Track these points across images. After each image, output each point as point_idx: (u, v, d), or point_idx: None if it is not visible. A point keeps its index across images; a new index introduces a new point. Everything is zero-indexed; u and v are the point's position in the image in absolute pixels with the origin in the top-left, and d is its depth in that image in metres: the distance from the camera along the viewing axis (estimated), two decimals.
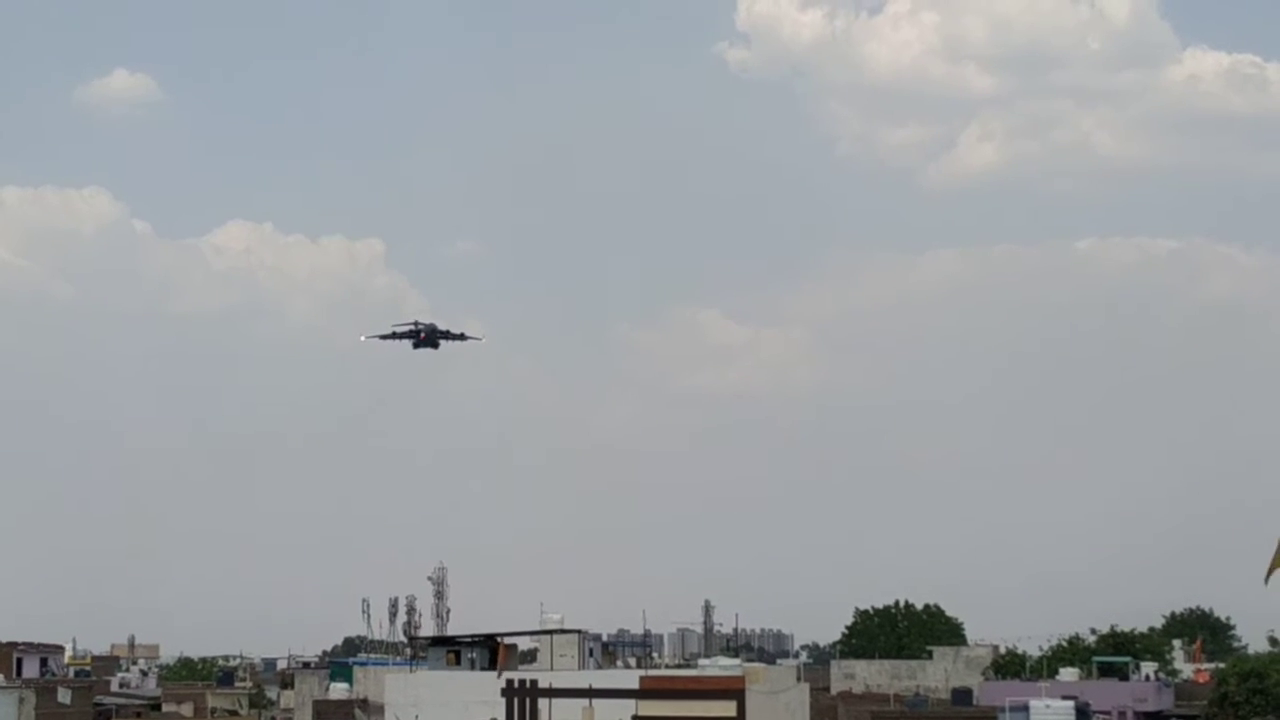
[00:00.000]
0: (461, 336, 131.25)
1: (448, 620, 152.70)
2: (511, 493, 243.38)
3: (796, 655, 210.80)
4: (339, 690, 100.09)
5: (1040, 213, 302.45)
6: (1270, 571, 38.10)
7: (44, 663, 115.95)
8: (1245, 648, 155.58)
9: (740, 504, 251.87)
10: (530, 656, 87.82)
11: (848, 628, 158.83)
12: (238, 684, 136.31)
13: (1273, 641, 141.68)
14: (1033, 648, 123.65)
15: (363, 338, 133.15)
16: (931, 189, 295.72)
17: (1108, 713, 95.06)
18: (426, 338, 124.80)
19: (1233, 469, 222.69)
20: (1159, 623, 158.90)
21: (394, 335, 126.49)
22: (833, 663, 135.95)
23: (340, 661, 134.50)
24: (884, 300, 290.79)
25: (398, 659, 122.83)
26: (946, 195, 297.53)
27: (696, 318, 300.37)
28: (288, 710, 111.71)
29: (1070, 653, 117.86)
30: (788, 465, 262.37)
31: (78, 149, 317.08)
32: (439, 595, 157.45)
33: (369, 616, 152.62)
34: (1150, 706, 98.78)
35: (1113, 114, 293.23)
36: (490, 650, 75.43)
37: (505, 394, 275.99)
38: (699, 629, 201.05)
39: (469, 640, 78.58)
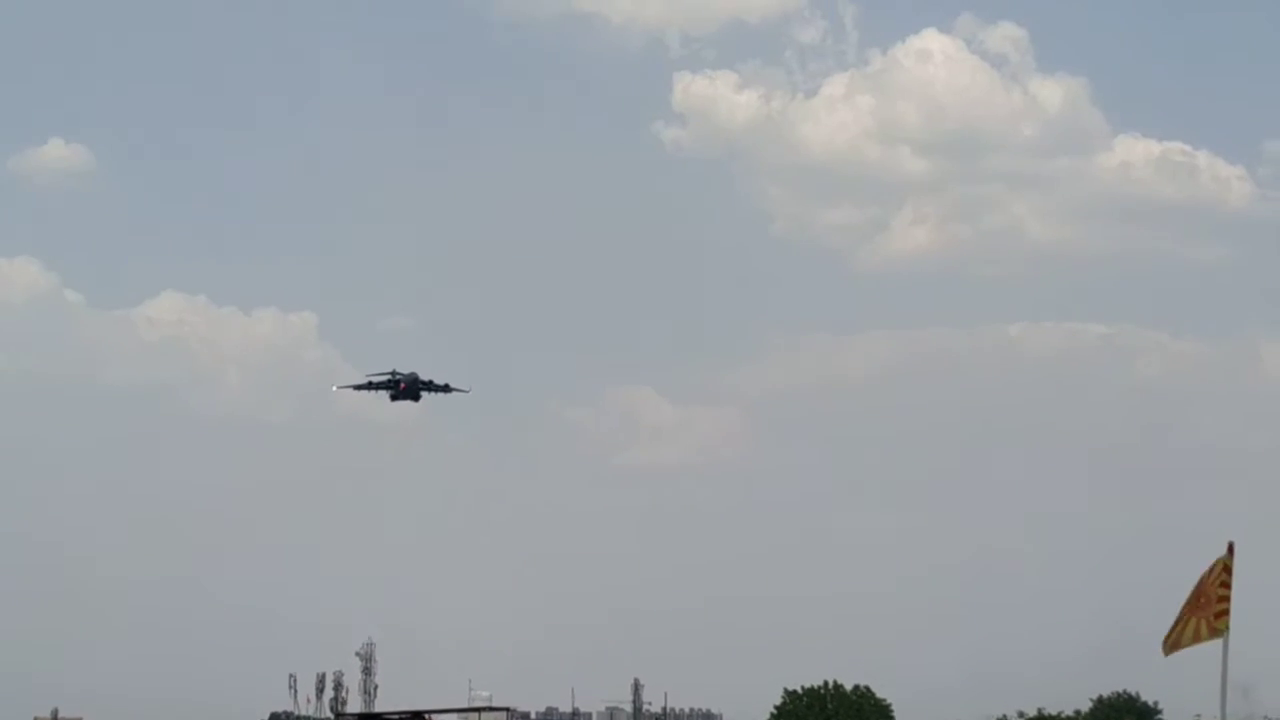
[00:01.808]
0: (446, 388, 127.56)
1: (375, 696, 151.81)
2: (443, 569, 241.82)
3: None
4: None
5: (972, 296, 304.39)
6: (1168, 643, 38.32)
7: None
8: None
9: (672, 581, 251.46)
10: None
11: (776, 707, 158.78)
12: None
13: None
14: None
15: (335, 388, 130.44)
16: (865, 270, 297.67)
17: None
18: (407, 388, 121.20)
19: (1160, 550, 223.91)
20: (1086, 706, 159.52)
21: (370, 386, 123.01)
22: None
23: None
24: (817, 380, 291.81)
25: None
26: (880, 277, 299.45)
27: (630, 396, 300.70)
28: None
29: None
30: (719, 543, 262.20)
31: (9, 218, 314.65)
32: (367, 671, 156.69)
33: (295, 692, 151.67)
34: None
35: (1044, 200, 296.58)
36: None
37: (438, 470, 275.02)
38: (628, 707, 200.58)
39: (396, 716, 78.26)
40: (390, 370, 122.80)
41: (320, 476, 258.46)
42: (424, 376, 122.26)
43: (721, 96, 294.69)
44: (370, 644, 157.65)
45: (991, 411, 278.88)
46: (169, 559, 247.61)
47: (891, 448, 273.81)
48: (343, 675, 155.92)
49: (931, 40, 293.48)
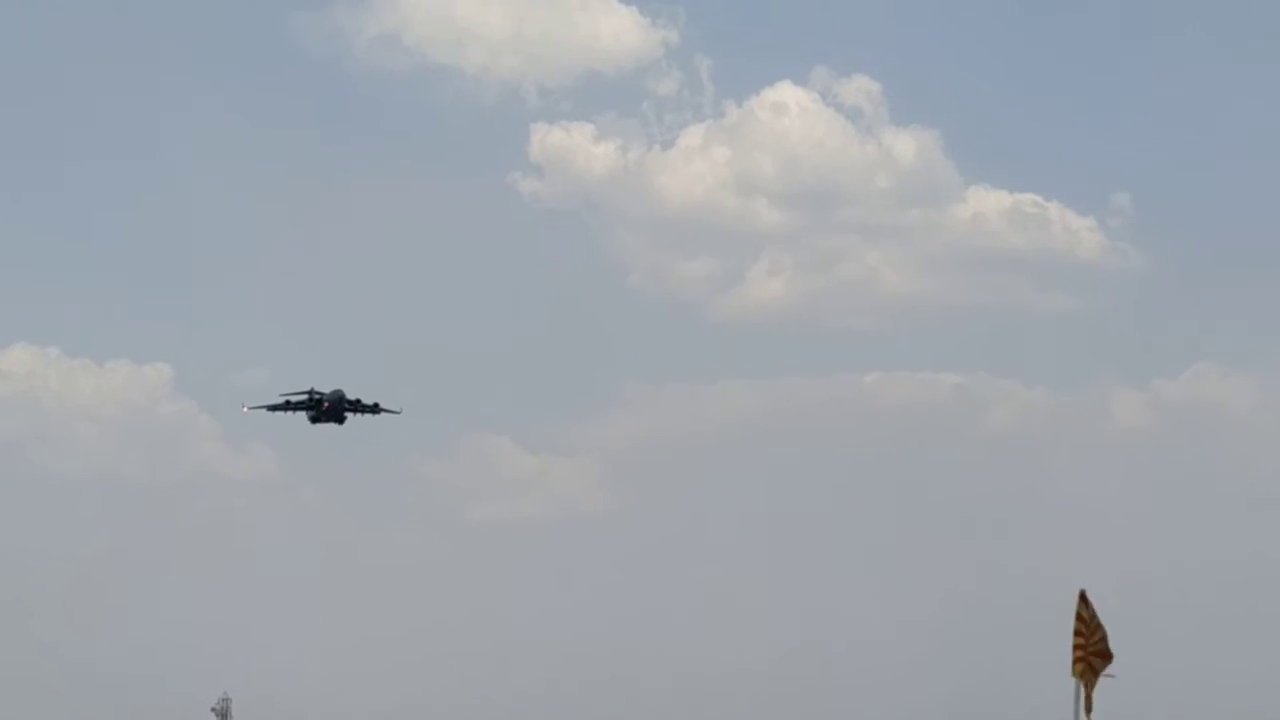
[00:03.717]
0: (375, 409, 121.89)
1: None
2: (299, 626, 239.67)
3: None
4: None
5: (828, 346, 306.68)
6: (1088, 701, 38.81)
7: None
8: None
9: (530, 633, 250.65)
10: None
11: None
12: None
13: None
14: None
15: (245, 409, 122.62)
16: (722, 321, 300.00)
17: None
18: (330, 409, 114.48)
19: (1014, 599, 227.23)
20: None
21: (286, 406, 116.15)
22: None
23: None
24: (675, 431, 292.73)
25: None
26: (736, 327, 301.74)
27: (486, 446, 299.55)
28: None
29: None
30: (578, 594, 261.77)
31: None
32: None
33: None
34: None
35: (899, 250, 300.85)
36: None
37: (295, 525, 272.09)
38: None
39: None
40: (309, 389, 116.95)
41: (175, 533, 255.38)
42: (350, 395, 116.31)
43: (578, 148, 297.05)
44: (226, 699, 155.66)
45: (847, 461, 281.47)
46: (17, 618, 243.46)
47: (749, 499, 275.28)
48: None
49: (786, 92, 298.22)
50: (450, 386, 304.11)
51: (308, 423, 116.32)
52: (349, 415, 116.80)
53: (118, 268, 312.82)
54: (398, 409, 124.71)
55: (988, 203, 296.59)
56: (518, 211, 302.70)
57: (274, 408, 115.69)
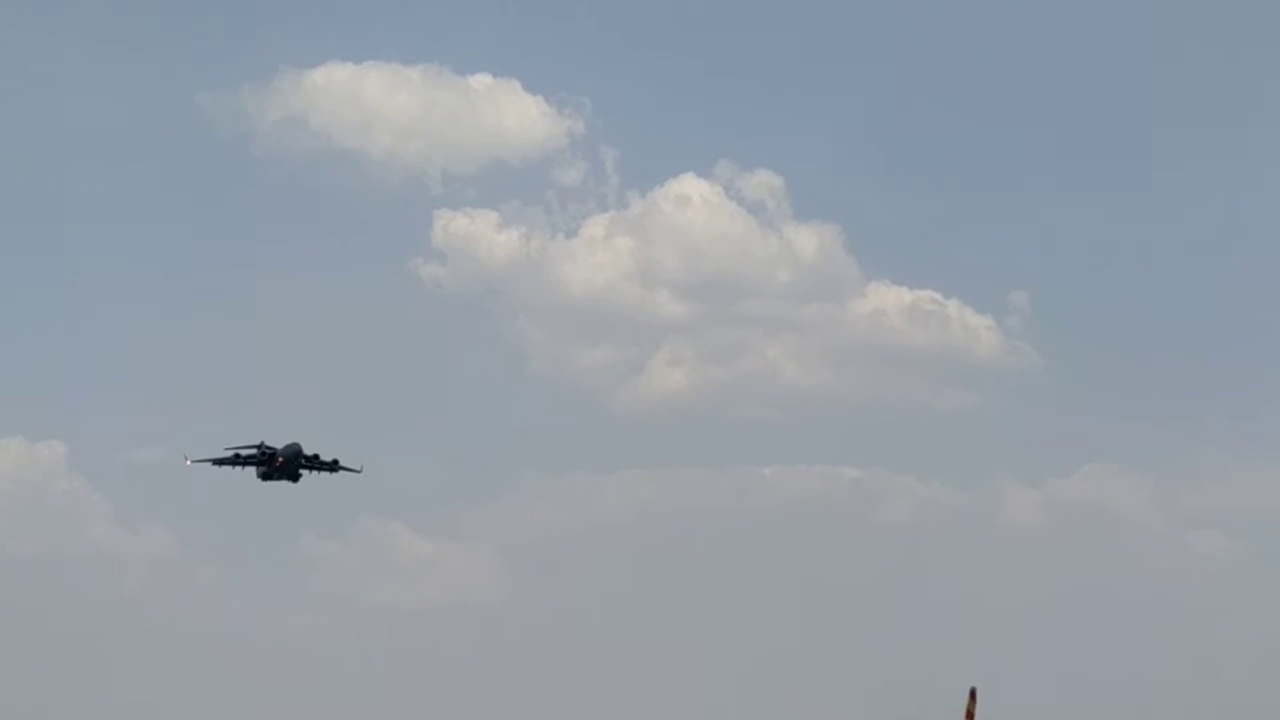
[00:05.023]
0: (334, 466, 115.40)
1: None
2: (192, 702, 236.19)
3: None
4: None
5: (727, 437, 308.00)
6: None
7: None
8: None
9: (422, 715, 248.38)
10: None
11: None
12: None
13: None
14: None
15: (189, 461, 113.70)
16: (622, 410, 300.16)
17: None
18: (284, 464, 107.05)
19: (906, 692, 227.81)
20: None
21: (235, 460, 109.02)
22: None
23: None
24: (572, 519, 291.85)
25: None
26: (636, 417, 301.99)
27: (383, 530, 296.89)
28: None
29: None
30: (470, 681, 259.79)
31: None
32: None
33: None
34: None
35: (799, 344, 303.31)
36: None
37: (187, 605, 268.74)
38: None
39: None
40: (259, 442, 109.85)
41: (67, 610, 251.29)
42: (308, 450, 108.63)
43: (482, 235, 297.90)
44: None
45: (744, 552, 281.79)
46: None
47: (646, 590, 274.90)
48: None
49: (690, 185, 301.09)
50: (331, 474, 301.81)
51: (256, 479, 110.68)
52: (305, 473, 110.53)
53: (10, 345, 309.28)
54: (358, 468, 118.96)
55: (888, 299, 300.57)
56: (419, 297, 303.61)
57: (220, 461, 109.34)
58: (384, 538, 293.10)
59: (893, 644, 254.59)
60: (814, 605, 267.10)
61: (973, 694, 36.26)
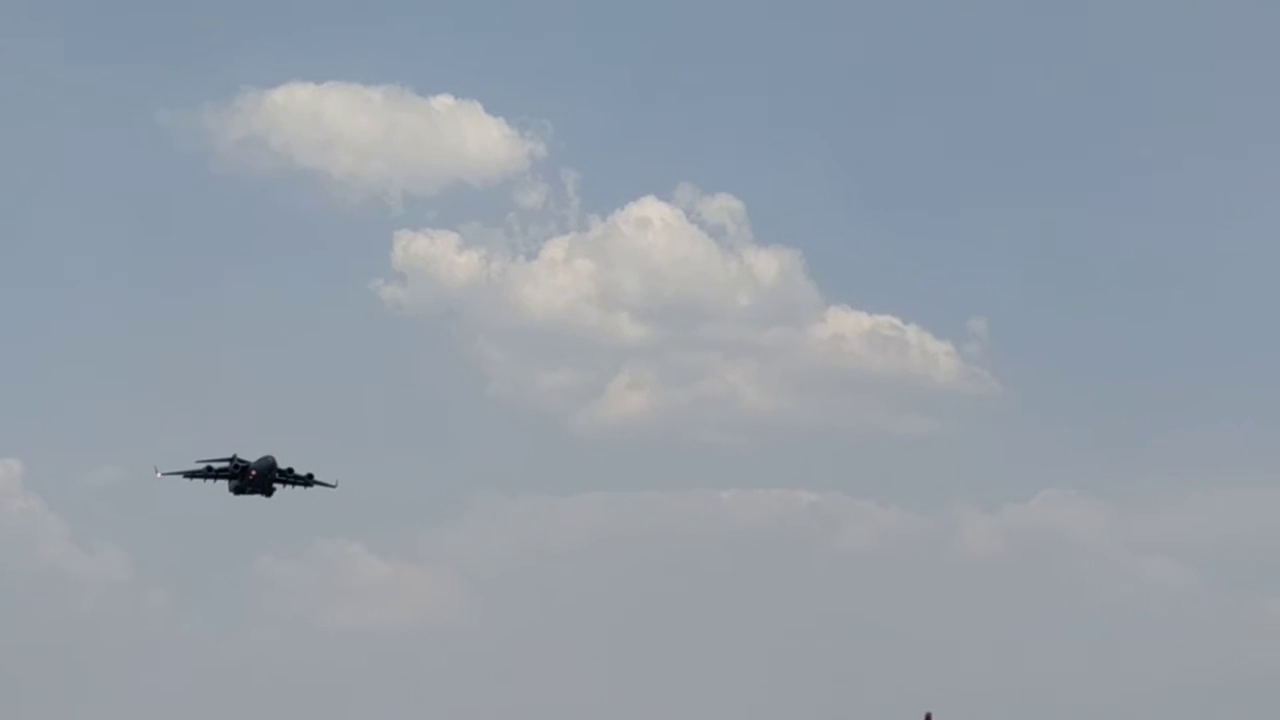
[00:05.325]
0: (309, 481, 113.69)
1: None
2: None
3: None
4: None
5: (686, 461, 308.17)
6: None
7: None
8: None
9: None
10: None
11: None
12: None
13: None
14: None
15: (159, 474, 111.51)
16: (581, 433, 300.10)
17: None
18: (257, 478, 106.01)
19: (864, 704, 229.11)
20: None
21: (207, 474, 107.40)
22: None
23: None
24: (530, 541, 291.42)
25: None
26: (595, 440, 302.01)
27: (340, 552, 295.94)
28: None
29: None
30: (430, 704, 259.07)
31: None
32: None
33: None
34: None
35: (759, 368, 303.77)
36: None
37: (140, 628, 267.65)
38: None
39: None
40: (231, 455, 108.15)
41: (16, 633, 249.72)
42: (282, 464, 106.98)
43: (442, 256, 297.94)
44: None
45: (702, 576, 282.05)
46: None
47: (604, 612, 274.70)
48: None
49: (651, 208, 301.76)
50: (304, 490, 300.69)
51: (229, 494, 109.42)
52: (279, 487, 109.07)
53: None
54: (333, 482, 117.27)
55: (847, 324, 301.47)
56: (379, 318, 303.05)
57: (192, 474, 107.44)
58: (342, 559, 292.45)
59: (849, 668, 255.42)
60: (769, 628, 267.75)
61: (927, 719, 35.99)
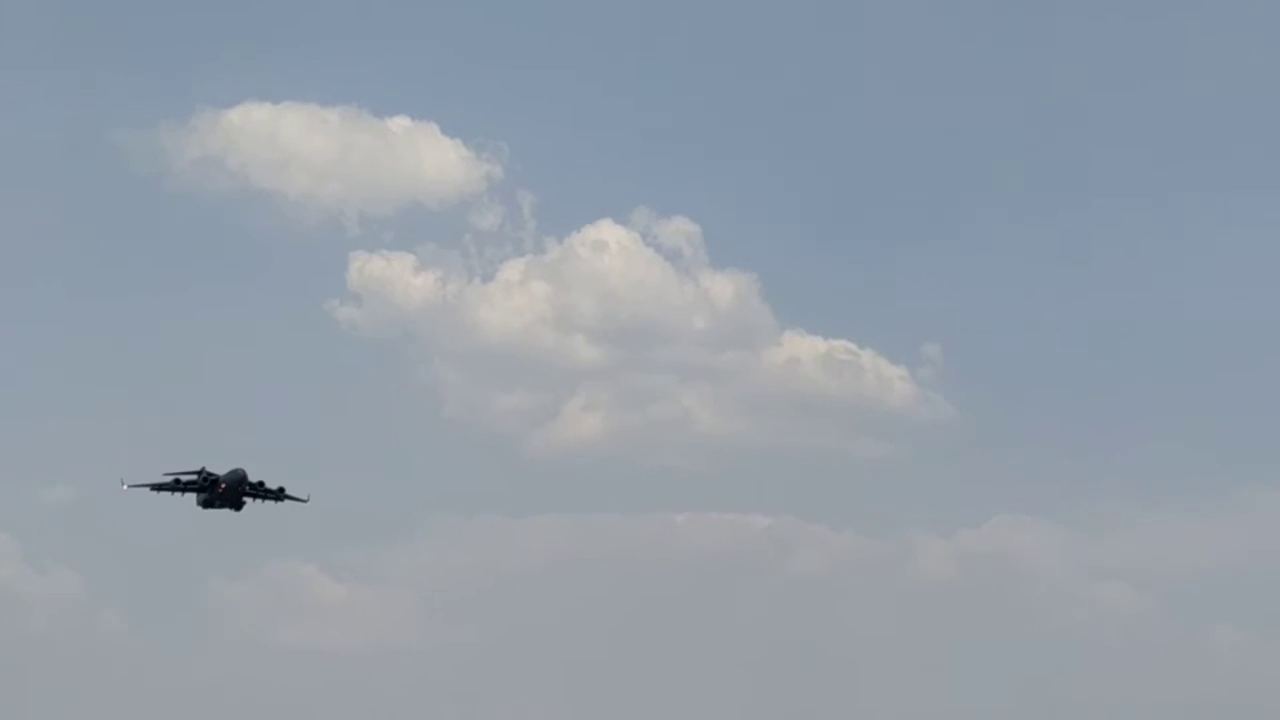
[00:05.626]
0: (280, 495, 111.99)
1: None
2: None
3: None
4: None
5: (640, 484, 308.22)
6: None
7: None
8: None
9: None
10: None
11: None
12: None
13: None
14: None
15: (125, 486, 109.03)
16: (536, 455, 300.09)
17: None
18: (226, 491, 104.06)
19: None
20: None
21: (175, 486, 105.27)
22: None
23: None
24: (485, 563, 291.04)
25: None
26: (550, 462, 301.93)
27: (295, 573, 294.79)
28: None
29: None
30: None
31: None
32: None
33: None
34: None
35: (714, 391, 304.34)
36: None
37: (90, 651, 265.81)
38: None
39: None
40: (200, 467, 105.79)
41: None
42: (253, 476, 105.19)
43: (398, 277, 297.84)
44: None
45: (655, 600, 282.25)
46: None
47: (557, 635, 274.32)
48: None
49: (607, 231, 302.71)
50: (257, 510, 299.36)
51: (197, 507, 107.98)
52: (249, 501, 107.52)
53: None
54: (304, 497, 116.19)
55: (802, 348, 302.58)
56: (334, 339, 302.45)
57: (159, 487, 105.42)
58: (296, 580, 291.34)
59: (802, 692, 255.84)
60: (722, 652, 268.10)
61: None
